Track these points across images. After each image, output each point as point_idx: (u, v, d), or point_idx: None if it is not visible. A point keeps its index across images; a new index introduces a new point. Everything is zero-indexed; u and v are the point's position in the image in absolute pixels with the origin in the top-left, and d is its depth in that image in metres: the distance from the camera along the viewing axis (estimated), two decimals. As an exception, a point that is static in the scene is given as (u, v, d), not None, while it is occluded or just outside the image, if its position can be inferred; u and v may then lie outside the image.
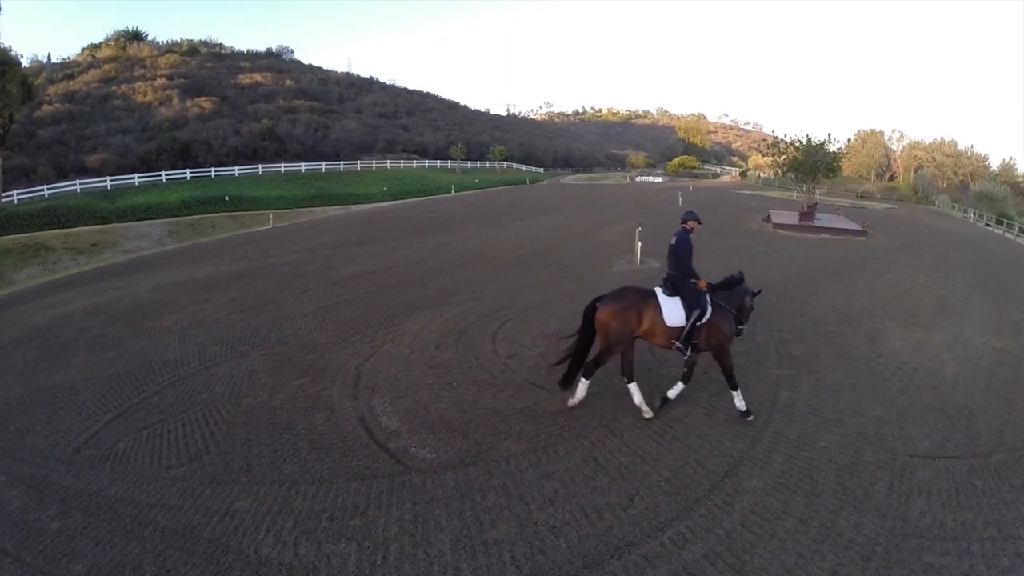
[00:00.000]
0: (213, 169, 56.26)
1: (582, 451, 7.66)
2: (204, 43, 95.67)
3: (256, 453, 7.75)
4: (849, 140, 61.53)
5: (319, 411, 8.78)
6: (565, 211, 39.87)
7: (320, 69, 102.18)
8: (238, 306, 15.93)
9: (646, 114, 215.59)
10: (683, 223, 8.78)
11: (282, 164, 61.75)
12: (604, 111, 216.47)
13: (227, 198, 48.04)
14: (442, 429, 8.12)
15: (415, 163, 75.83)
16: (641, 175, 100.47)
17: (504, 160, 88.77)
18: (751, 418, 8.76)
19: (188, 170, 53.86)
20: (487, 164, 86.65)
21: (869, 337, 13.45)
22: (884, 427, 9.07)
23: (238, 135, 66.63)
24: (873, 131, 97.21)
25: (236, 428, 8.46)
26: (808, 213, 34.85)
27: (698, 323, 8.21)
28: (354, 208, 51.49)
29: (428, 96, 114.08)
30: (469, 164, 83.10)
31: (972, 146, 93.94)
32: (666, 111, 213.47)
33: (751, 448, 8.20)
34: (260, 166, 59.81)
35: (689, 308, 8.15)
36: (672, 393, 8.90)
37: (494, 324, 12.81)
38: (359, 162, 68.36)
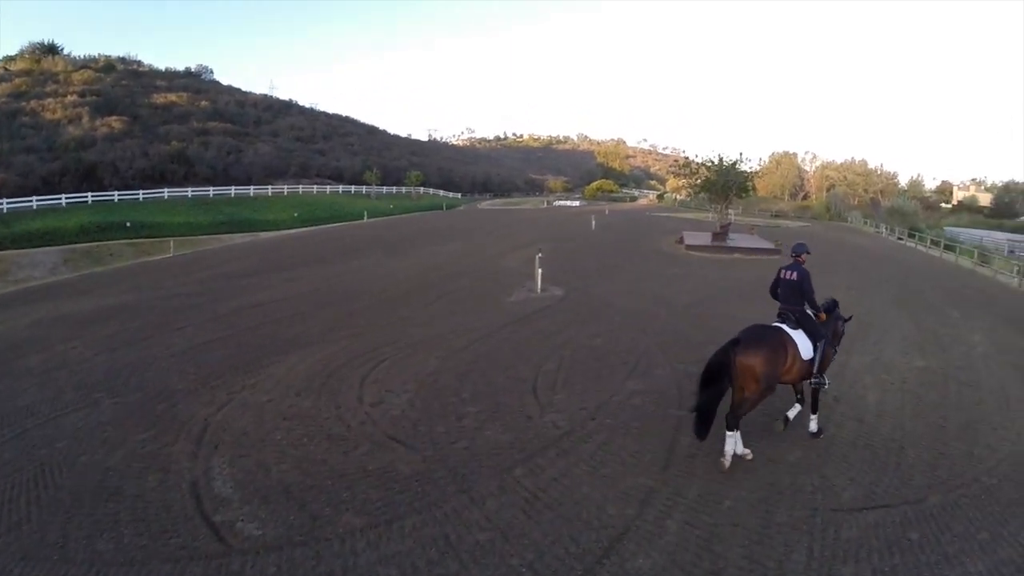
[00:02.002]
0: (117, 193, 55.64)
1: (433, 526, 6.73)
2: (122, 60, 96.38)
3: (75, 525, 6.93)
4: (761, 159, 63.94)
5: (153, 473, 8.05)
6: (474, 237, 40.00)
7: (238, 91, 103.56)
8: (109, 344, 14.73)
9: (567, 139, 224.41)
10: (796, 256, 8.86)
11: (189, 188, 61.42)
12: (525, 136, 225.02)
13: (128, 224, 46.93)
14: (278, 497, 7.34)
15: (329, 189, 77.54)
16: (559, 199, 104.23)
17: (421, 185, 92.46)
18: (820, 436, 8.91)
19: (90, 194, 52.91)
20: (403, 190, 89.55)
21: None
22: (802, 475, 8.11)
23: (146, 157, 66.10)
24: (787, 153, 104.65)
25: (64, 492, 7.65)
26: (721, 233, 35.62)
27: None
28: (262, 235, 50.06)
29: (347, 120, 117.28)
30: (385, 190, 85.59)
31: (882, 165, 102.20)
32: (586, 136, 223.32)
33: (640, 514, 7.09)
34: (167, 190, 59.55)
35: (814, 339, 8.32)
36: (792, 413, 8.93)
37: (368, 365, 12.18)
38: (270, 187, 69.00)
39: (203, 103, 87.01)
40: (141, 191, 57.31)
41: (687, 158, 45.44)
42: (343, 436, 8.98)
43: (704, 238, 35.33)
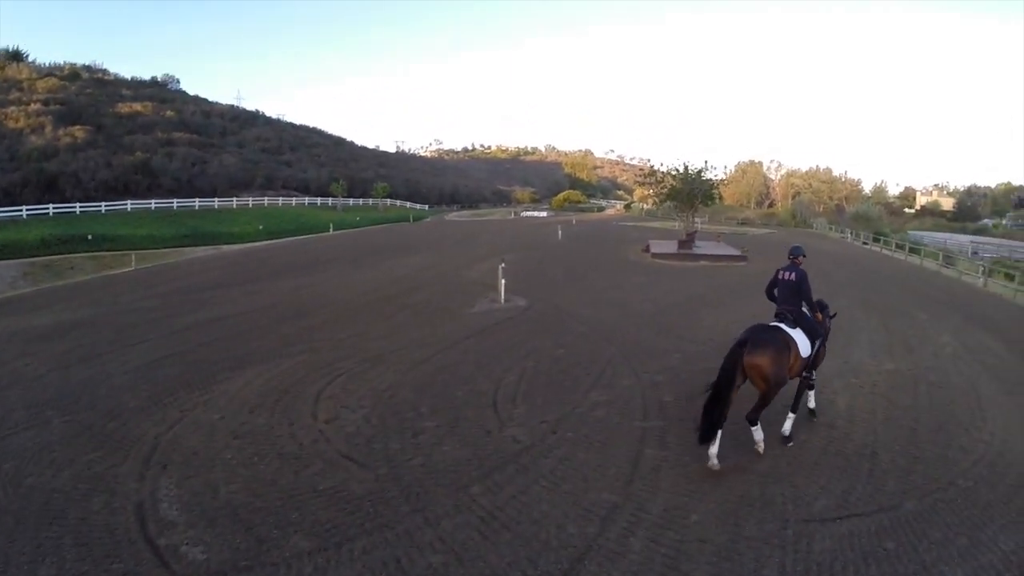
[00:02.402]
0: (79, 205, 54.71)
1: (384, 548, 6.38)
2: (87, 68, 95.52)
3: (17, 550, 6.65)
4: (726, 167, 64.53)
5: (99, 495, 7.73)
6: (440, 248, 39.69)
7: (205, 101, 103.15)
8: (64, 361, 14.16)
9: (535, 151, 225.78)
10: (794, 258, 9.11)
11: (153, 200, 60.76)
12: (493, 148, 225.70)
13: (90, 237, 46.12)
14: (225, 519, 7.03)
15: (294, 200, 77.15)
16: (526, 210, 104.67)
17: (388, 197, 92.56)
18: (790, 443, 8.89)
19: (51, 205, 52.06)
20: (370, 201, 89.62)
21: None
22: (772, 485, 7.82)
23: (109, 168, 65.55)
24: (752, 162, 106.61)
25: (7, 516, 7.33)
26: (687, 241, 35.72)
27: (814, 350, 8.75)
28: (225, 248, 49.07)
29: (314, 131, 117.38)
30: (352, 201, 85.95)
31: (846, 172, 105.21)
32: (554, 148, 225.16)
33: (601, 532, 6.72)
34: (129, 202, 58.70)
35: (811, 338, 8.67)
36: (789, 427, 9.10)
37: (324, 380, 11.84)
38: (235, 199, 68.40)
39: (168, 113, 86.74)
40: (104, 203, 56.67)
41: (653, 167, 45.28)
42: (295, 455, 8.68)
43: (670, 246, 35.39)
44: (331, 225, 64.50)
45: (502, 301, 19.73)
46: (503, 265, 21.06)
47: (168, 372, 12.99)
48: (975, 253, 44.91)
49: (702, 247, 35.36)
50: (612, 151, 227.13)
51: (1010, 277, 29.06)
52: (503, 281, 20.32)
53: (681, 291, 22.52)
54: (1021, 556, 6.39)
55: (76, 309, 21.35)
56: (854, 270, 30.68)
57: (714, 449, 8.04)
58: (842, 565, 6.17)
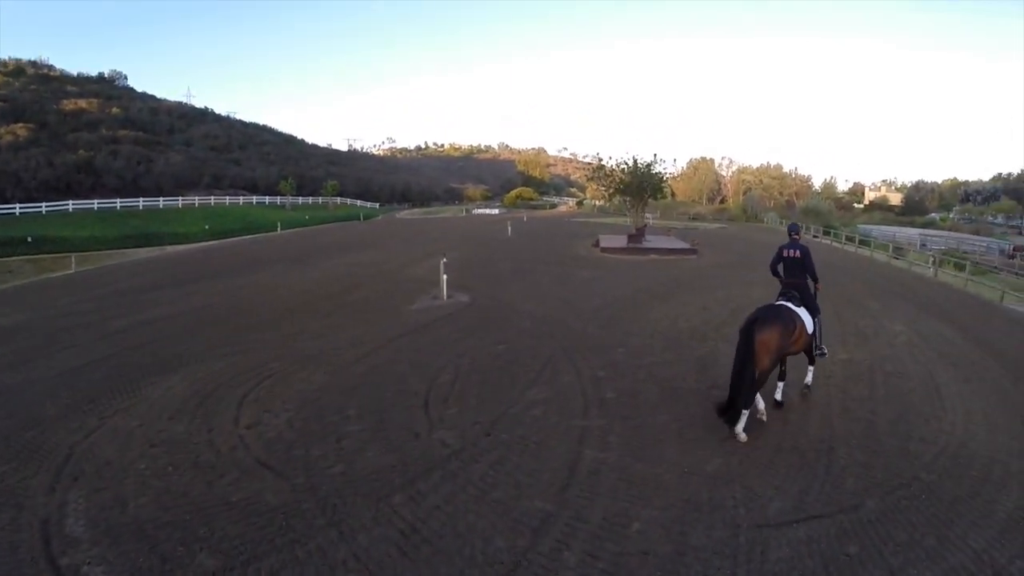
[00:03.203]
0: (19, 205, 53.37)
1: (294, 567, 5.93)
2: (33, 63, 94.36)
3: None
4: (675, 159, 64.74)
5: (6, 510, 7.32)
6: (387, 246, 39.21)
7: (153, 98, 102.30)
8: None
9: (488, 149, 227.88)
10: (795, 234, 9.99)
11: (96, 201, 59.24)
12: (446, 146, 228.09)
13: (30, 239, 45.03)
14: (130, 536, 6.62)
15: (242, 200, 76.12)
16: (478, 208, 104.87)
17: (338, 195, 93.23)
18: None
19: None
20: (320, 200, 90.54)
21: (701, 365, 12.17)
22: (721, 487, 7.29)
23: (51, 167, 64.49)
24: (704, 158, 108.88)
25: None
26: (637, 236, 35.69)
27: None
28: (169, 249, 47.96)
29: (264, 129, 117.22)
30: (301, 200, 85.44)
31: (796, 168, 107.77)
32: (507, 145, 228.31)
33: (533, 545, 6.14)
34: (71, 203, 57.21)
35: (814, 314, 9.39)
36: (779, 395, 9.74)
37: (251, 382, 11.39)
38: (181, 199, 67.38)
39: (114, 110, 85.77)
40: (45, 204, 55.41)
41: (601, 161, 44.75)
42: (211, 464, 8.24)
43: (620, 241, 35.43)
44: (279, 224, 63.75)
45: (444, 297, 19.32)
46: (445, 260, 20.59)
47: (92, 377, 12.41)
48: (924, 245, 45.90)
49: (652, 241, 35.40)
50: (565, 149, 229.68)
51: (960, 267, 29.60)
52: (445, 277, 19.88)
53: (629, 285, 22.17)
54: (993, 555, 6.01)
55: (11, 314, 20.62)
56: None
57: (740, 426, 8.44)
58: (800, 575, 5.66)
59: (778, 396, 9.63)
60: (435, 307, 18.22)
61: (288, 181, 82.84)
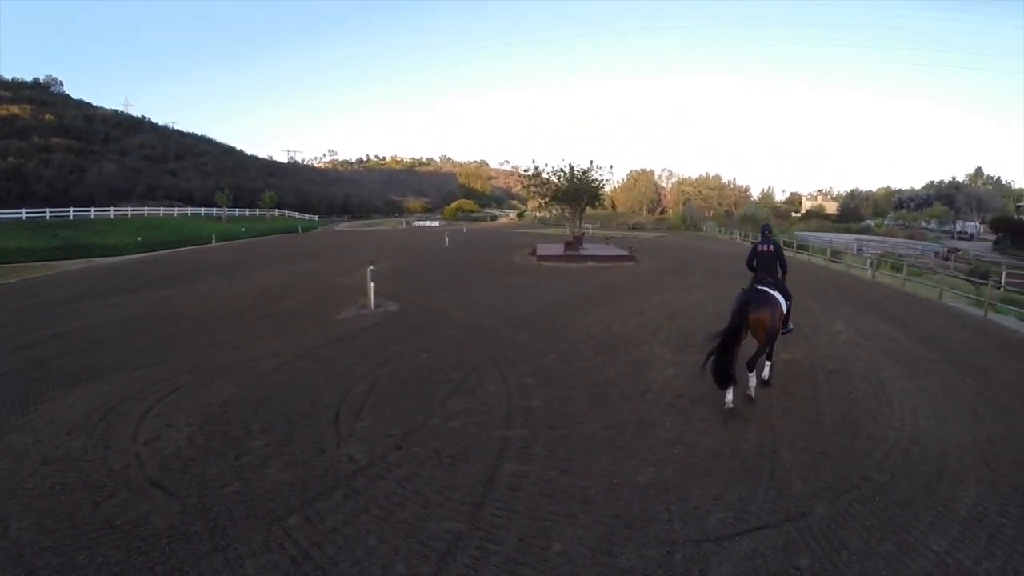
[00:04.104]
0: None
1: None
2: None
3: None
4: (611, 166, 64.82)
5: None
6: (322, 257, 38.15)
7: (88, 105, 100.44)
8: None
9: (430, 161, 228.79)
10: (768, 233, 11.34)
11: (24, 210, 56.97)
12: (388, 159, 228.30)
13: None
14: (8, 563, 6.08)
15: (177, 211, 74.71)
16: (418, 220, 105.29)
17: (276, 207, 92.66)
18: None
19: None
20: (257, 212, 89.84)
21: (635, 369, 11.64)
22: (654, 499, 6.66)
23: None
24: (644, 170, 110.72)
25: None
26: (574, 243, 35.48)
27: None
28: (99, 261, 45.77)
29: (202, 140, 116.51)
30: (238, 212, 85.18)
31: (734, 179, 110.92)
32: (449, 158, 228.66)
33: (438, 572, 5.43)
34: None
35: (786, 298, 10.28)
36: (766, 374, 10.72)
37: (157, 395, 10.63)
38: (113, 209, 65.76)
39: (48, 117, 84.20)
40: None
41: (538, 168, 44.14)
42: (101, 483, 7.60)
43: (557, 249, 35.15)
44: (214, 236, 62.38)
45: (372, 306, 18.61)
46: (372, 268, 19.85)
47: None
48: (860, 250, 46.93)
49: (589, 249, 35.28)
50: (507, 162, 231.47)
51: (897, 268, 30.08)
52: (372, 285, 19.16)
53: (564, 292, 21.70)
54: (958, 557, 5.58)
55: (-81, 331, 19.09)
56: (742, 266, 30.93)
57: (730, 396, 9.21)
58: (744, 595, 4.97)
59: (751, 391, 9.92)
60: (362, 316, 17.46)
61: (224, 192, 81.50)
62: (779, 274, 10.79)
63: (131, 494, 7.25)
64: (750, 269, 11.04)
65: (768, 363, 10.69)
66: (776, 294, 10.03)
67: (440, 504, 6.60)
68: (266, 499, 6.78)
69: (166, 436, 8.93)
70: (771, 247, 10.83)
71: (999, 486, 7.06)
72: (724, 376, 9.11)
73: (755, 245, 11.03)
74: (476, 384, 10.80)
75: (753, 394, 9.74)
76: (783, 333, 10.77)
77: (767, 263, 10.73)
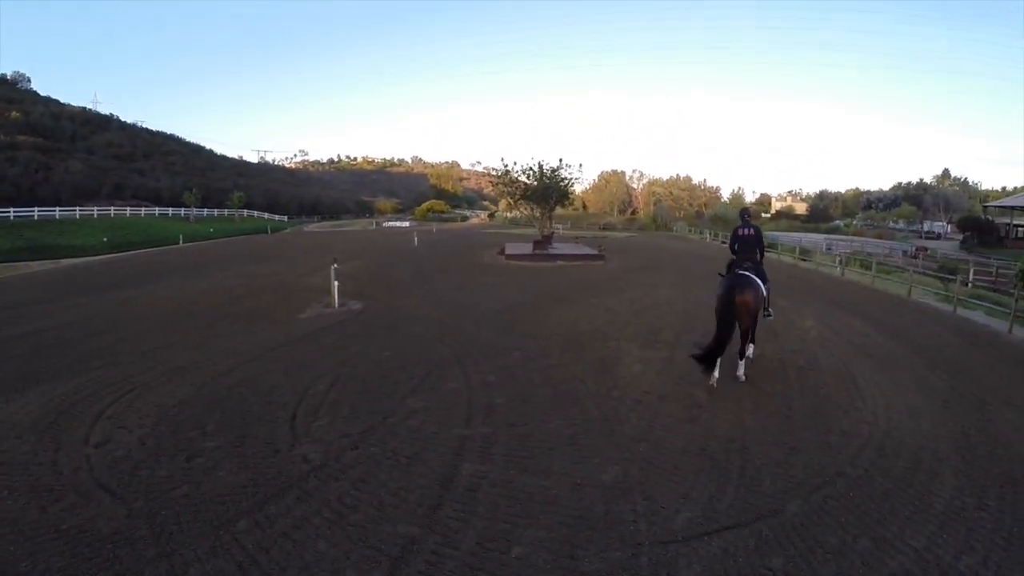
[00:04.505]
0: None
1: None
2: None
3: None
4: (580, 165, 64.49)
5: None
6: (288, 257, 37.63)
7: (56, 102, 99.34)
8: None
9: (401, 162, 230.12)
10: (747, 217, 11.72)
11: None
12: (359, 159, 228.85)
13: None
14: None
15: (144, 211, 74.11)
16: (389, 221, 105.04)
17: (245, 208, 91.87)
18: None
19: None
20: (226, 212, 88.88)
21: (602, 366, 11.38)
22: (619, 499, 6.37)
23: None
24: (615, 171, 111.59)
25: None
26: (542, 242, 35.24)
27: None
28: (65, 262, 45.10)
29: (171, 139, 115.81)
30: (206, 212, 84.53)
31: (705, 180, 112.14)
32: (421, 159, 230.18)
33: None
34: None
35: (764, 281, 10.69)
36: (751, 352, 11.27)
37: (112, 397, 10.36)
38: (79, 209, 64.73)
39: (14, 114, 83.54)
40: None
41: (507, 166, 43.72)
42: (50, 487, 7.33)
43: (526, 248, 34.94)
44: (181, 237, 61.57)
45: (336, 305, 18.30)
46: (336, 267, 19.51)
47: (-49, 396, 11.21)
48: (829, 249, 47.34)
49: (559, 248, 35.12)
50: (479, 163, 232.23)
51: (866, 266, 30.27)
52: (336, 284, 18.86)
53: (532, 290, 21.45)
54: (937, 552, 5.41)
55: None
56: (711, 264, 31.10)
57: (715, 375, 10.00)
58: (713, 599, 4.70)
59: (742, 374, 10.54)
60: (325, 315, 17.12)
61: (193, 192, 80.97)
62: (758, 256, 11.24)
63: (79, 498, 7.00)
64: (732, 252, 11.45)
65: (751, 345, 11.05)
66: (755, 277, 10.56)
67: (395, 506, 6.29)
68: (216, 502, 6.53)
69: (118, 438, 8.62)
70: (751, 230, 11.30)
71: (976, 479, 6.94)
72: (711, 356, 9.86)
73: (736, 229, 11.41)
74: (437, 382, 10.50)
75: (743, 375, 10.42)
76: (764, 317, 11.35)
77: (748, 245, 11.19)
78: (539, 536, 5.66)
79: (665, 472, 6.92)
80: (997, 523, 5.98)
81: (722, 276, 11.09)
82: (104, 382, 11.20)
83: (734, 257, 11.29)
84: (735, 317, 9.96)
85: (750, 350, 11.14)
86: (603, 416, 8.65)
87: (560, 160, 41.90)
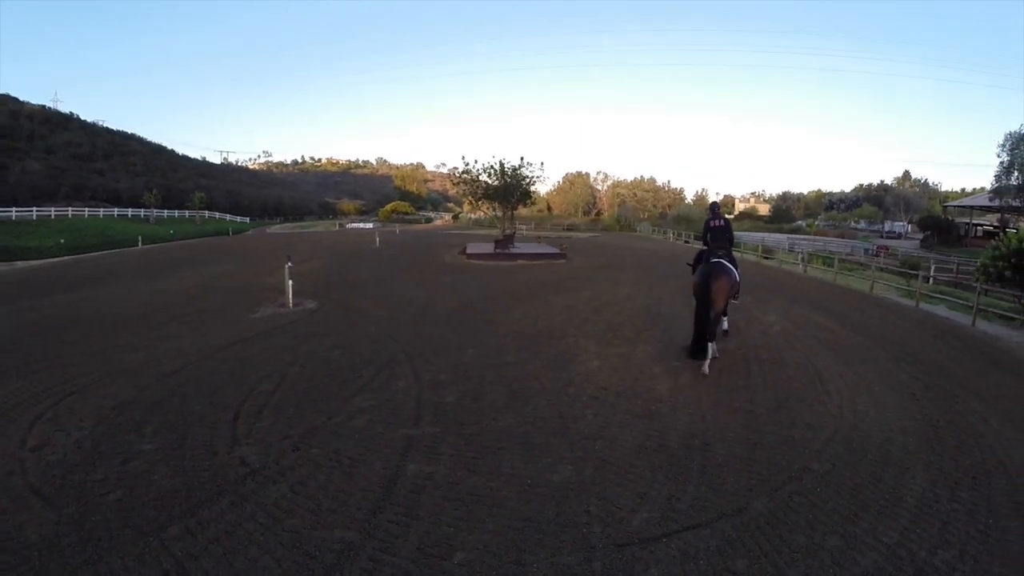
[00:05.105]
0: None
1: None
2: None
3: None
4: (542, 164, 64.16)
5: None
6: (247, 258, 36.95)
7: (15, 100, 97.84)
8: None
9: (366, 164, 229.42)
10: (717, 210, 12.54)
11: None
12: (324, 161, 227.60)
13: None
14: None
15: (103, 212, 72.74)
16: (352, 222, 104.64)
17: (206, 209, 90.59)
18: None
19: None
20: (187, 214, 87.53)
21: (558, 362, 11.06)
22: (572, 499, 6.02)
23: None
24: (580, 173, 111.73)
25: None
26: (504, 241, 35.01)
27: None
28: (20, 264, 43.94)
29: (132, 138, 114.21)
30: (167, 213, 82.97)
31: (669, 182, 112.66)
32: (386, 161, 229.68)
33: None
34: None
35: (735, 267, 11.38)
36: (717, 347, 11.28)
37: (53, 399, 9.99)
38: (36, 210, 63.71)
39: None
40: None
41: (467, 165, 43.22)
42: None
43: (487, 248, 34.77)
44: (140, 239, 60.29)
45: (290, 305, 17.87)
46: (289, 265, 19.03)
47: None
48: (791, 248, 47.78)
49: (520, 247, 34.98)
50: (444, 164, 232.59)
51: (828, 263, 30.46)
52: (291, 283, 18.41)
53: (492, 288, 21.14)
54: (910, 548, 5.16)
55: None
56: (674, 264, 31.54)
57: (706, 363, 10.45)
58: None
59: (714, 352, 11.02)
60: (278, 315, 16.68)
61: (153, 193, 79.65)
62: (728, 246, 11.80)
63: (9, 503, 6.65)
64: (704, 242, 12.06)
65: (712, 345, 11.10)
66: (730, 266, 11.27)
67: (333, 510, 5.94)
68: (148, 507, 6.22)
69: (55, 441, 8.28)
70: (722, 222, 12.03)
71: (947, 470, 6.73)
72: (702, 350, 10.67)
73: (708, 221, 12.12)
74: (386, 380, 10.11)
75: (716, 354, 10.97)
76: (732, 300, 12.03)
77: (719, 236, 11.78)
78: (484, 540, 5.29)
79: (621, 470, 6.57)
80: (972, 515, 5.75)
81: (691, 265, 12.24)
82: (46, 384, 10.78)
83: (706, 247, 11.85)
84: (712, 300, 10.64)
85: (724, 323, 12.03)
86: (557, 413, 8.30)
87: (521, 158, 41.62)
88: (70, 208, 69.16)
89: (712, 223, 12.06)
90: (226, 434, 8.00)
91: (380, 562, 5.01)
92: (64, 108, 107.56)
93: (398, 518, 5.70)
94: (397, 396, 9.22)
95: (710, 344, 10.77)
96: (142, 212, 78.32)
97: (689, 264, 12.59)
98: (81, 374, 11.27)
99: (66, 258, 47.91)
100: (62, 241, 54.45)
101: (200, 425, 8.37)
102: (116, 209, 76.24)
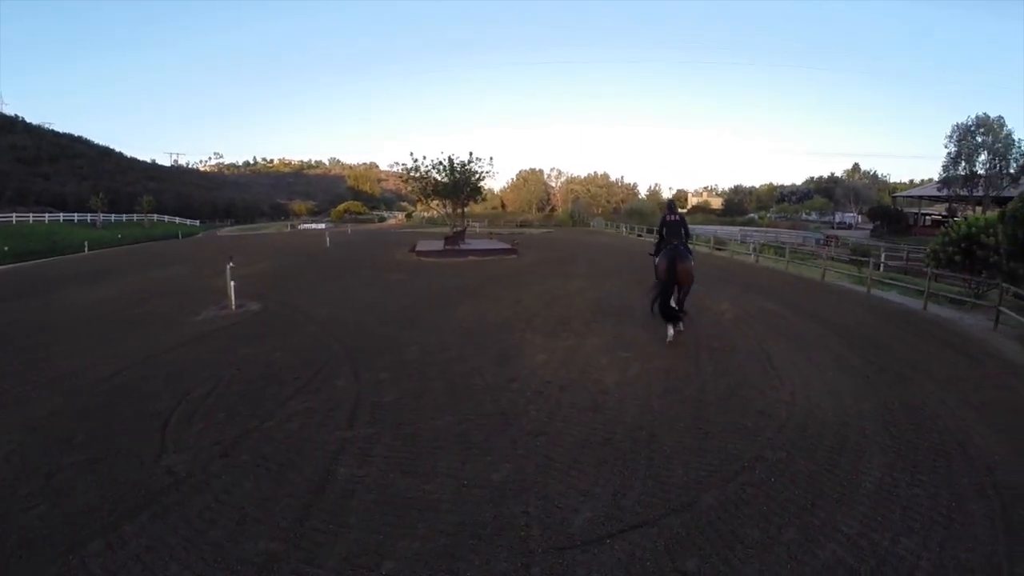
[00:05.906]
0: None
1: None
2: None
3: None
4: (492, 160, 63.86)
5: None
6: (194, 261, 36.18)
7: None
8: None
9: (319, 164, 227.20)
10: (674, 206, 13.34)
11: None
12: (276, 162, 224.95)
13: None
14: None
15: (48, 217, 71.23)
16: (304, 223, 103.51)
17: (155, 212, 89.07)
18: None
19: None
20: (135, 217, 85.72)
21: (503, 357, 10.77)
22: (510, 500, 5.73)
23: None
24: (533, 170, 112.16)
25: None
26: (454, 238, 34.66)
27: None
28: None
29: (79, 141, 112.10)
30: (114, 217, 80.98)
31: (622, 177, 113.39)
32: (339, 161, 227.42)
33: None
34: None
35: (692, 257, 12.43)
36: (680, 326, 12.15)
37: None
38: None
39: None
40: None
41: (416, 161, 42.46)
42: None
43: (438, 245, 34.45)
44: (86, 244, 58.87)
45: (233, 307, 17.47)
46: (231, 265, 18.63)
47: None
48: (744, 239, 48.28)
49: (471, 244, 34.74)
50: (397, 163, 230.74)
51: (780, 253, 30.71)
52: (232, 284, 18.02)
53: (441, 285, 20.81)
54: (872, 537, 4.95)
55: None
56: (625, 257, 31.79)
57: (671, 331, 11.62)
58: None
59: (680, 326, 12.05)
60: (220, 317, 16.23)
61: (99, 197, 77.54)
62: (684, 239, 12.63)
63: None
64: (660, 235, 12.94)
65: (680, 323, 12.12)
66: (685, 251, 12.29)
67: (258, 519, 5.59)
68: (70, 523, 5.91)
69: None
70: (677, 217, 12.83)
71: (905, 453, 6.57)
72: (671, 313, 11.66)
73: (664, 216, 12.93)
74: (324, 382, 9.73)
75: (681, 328, 12.03)
76: (693, 291, 13.11)
77: (674, 229, 12.60)
78: (415, 547, 4.94)
79: (564, 467, 6.25)
80: (934, 499, 5.58)
81: (652, 255, 13.35)
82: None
83: (662, 239, 12.77)
84: (676, 281, 11.81)
85: (679, 325, 12.27)
86: (499, 410, 7.98)
87: (471, 154, 41.16)
88: (14, 214, 67.55)
89: (669, 217, 12.84)
90: (155, 443, 7.63)
91: (305, 573, 4.68)
92: (9, 111, 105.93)
93: (325, 526, 5.35)
94: (335, 397, 8.87)
95: (680, 317, 11.87)
96: (88, 217, 76.75)
97: (651, 254, 13.67)
98: (11, 385, 10.81)
99: (10, 266, 46.31)
100: (6, 248, 53.10)
101: (128, 433, 8.00)
102: (62, 214, 74.76)
